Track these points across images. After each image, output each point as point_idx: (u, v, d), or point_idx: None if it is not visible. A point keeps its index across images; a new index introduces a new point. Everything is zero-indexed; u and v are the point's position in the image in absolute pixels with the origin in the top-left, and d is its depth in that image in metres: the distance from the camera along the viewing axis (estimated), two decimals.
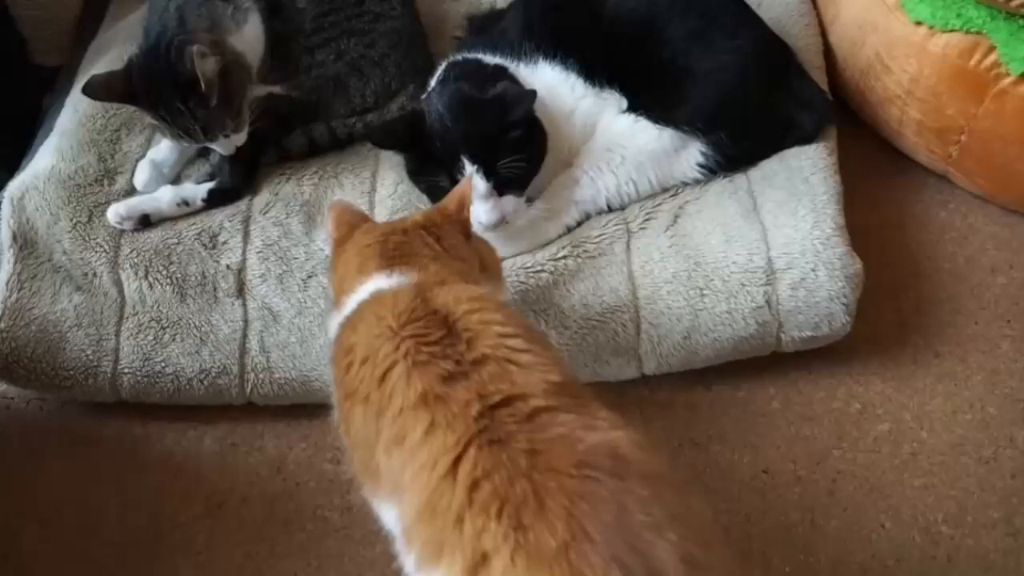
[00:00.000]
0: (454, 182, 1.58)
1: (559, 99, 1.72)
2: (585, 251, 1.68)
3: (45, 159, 1.81)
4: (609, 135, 1.73)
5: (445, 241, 1.27)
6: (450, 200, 1.33)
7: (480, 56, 1.74)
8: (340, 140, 1.85)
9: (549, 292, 1.66)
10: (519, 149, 1.57)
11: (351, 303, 1.18)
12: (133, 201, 1.74)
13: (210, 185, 1.77)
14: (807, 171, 1.73)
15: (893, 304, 1.82)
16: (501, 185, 1.59)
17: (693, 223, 1.70)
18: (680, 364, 1.68)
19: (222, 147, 1.72)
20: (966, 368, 1.75)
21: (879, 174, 2.01)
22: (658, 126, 1.71)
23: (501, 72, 1.69)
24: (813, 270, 1.62)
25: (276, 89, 1.82)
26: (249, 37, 1.81)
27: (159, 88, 1.64)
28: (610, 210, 1.74)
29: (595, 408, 1.02)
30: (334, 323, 1.24)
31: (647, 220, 1.71)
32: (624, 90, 1.73)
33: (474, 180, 1.56)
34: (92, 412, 1.76)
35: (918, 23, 1.83)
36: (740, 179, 1.76)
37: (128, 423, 1.75)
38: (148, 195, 1.76)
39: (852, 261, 1.64)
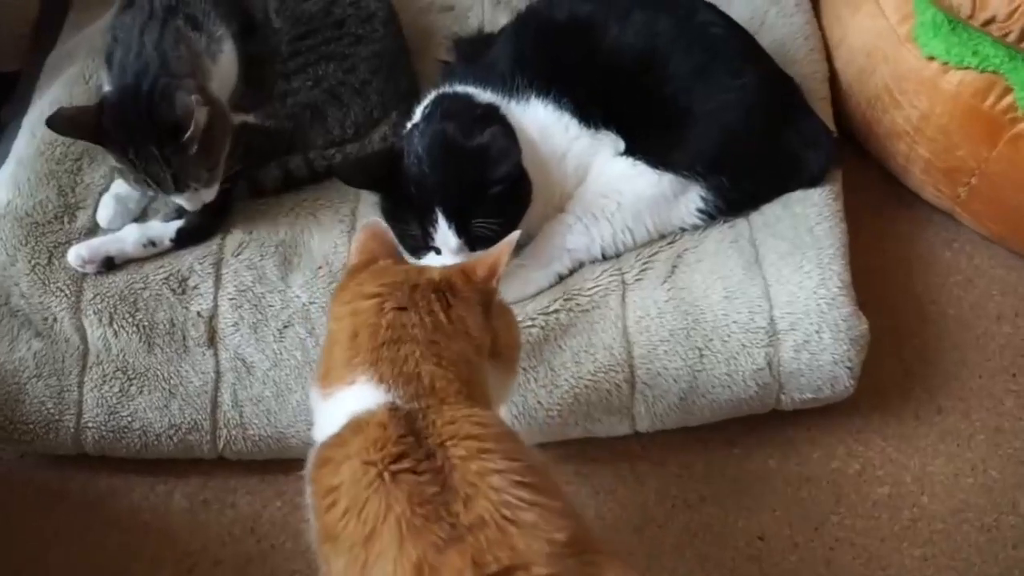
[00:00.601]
0: (425, 232, 1.49)
1: (551, 139, 1.62)
2: (578, 304, 1.59)
3: (1, 192, 1.70)
4: (604, 179, 1.63)
5: (454, 311, 1.11)
6: (481, 264, 1.15)
7: (470, 91, 1.63)
8: (318, 173, 1.74)
9: (539, 348, 1.57)
10: (498, 208, 1.47)
11: (335, 410, 1.07)
12: (95, 242, 1.63)
13: (179, 224, 1.66)
14: (812, 220, 1.64)
15: (896, 352, 1.75)
16: (474, 241, 1.49)
17: (692, 275, 1.61)
18: (675, 423, 1.61)
19: (189, 202, 1.61)
20: (969, 426, 1.68)
21: (883, 208, 1.93)
22: (657, 171, 1.61)
23: (491, 113, 1.58)
24: (817, 332, 1.55)
25: (249, 118, 1.71)
26: (224, 67, 1.69)
27: (134, 130, 1.53)
28: (604, 259, 1.64)
29: (605, 565, 0.93)
30: (319, 416, 1.12)
31: (643, 270, 1.62)
32: (621, 131, 1.63)
33: (446, 235, 1.47)
34: (54, 464, 1.67)
35: (931, 58, 1.73)
36: (741, 225, 1.67)
37: (93, 476, 1.66)
38: (112, 235, 1.65)
39: (858, 322, 1.56)
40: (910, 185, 1.92)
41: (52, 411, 1.58)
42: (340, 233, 1.70)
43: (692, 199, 1.64)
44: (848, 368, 1.55)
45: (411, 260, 1.49)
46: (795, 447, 1.66)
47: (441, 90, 1.65)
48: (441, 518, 0.90)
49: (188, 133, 1.48)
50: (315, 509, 1.01)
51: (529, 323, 1.57)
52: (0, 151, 1.81)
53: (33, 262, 1.63)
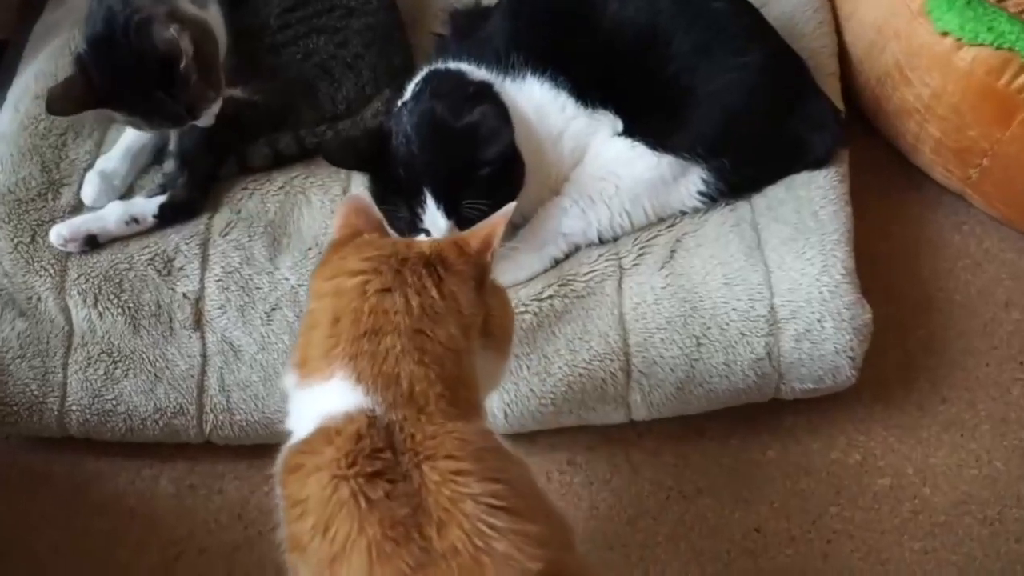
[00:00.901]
0: (413, 214, 1.45)
1: (547, 119, 1.57)
2: (573, 290, 1.54)
3: None
4: (602, 161, 1.58)
5: (446, 286, 1.04)
6: (475, 235, 1.09)
7: (463, 67, 1.57)
8: (308, 150, 1.69)
9: (533, 334, 1.53)
10: (488, 189, 1.42)
11: (310, 407, 1.02)
12: (77, 220, 1.59)
13: (161, 199, 1.61)
14: (816, 204, 1.59)
15: (900, 341, 1.70)
16: (464, 223, 1.45)
17: (691, 260, 1.56)
18: (672, 412, 1.57)
19: (205, 120, 1.56)
20: (974, 416, 1.64)
21: (891, 190, 1.87)
22: (656, 152, 1.56)
23: (484, 91, 1.52)
24: (819, 321, 1.50)
25: (237, 92, 1.65)
26: (213, 22, 1.62)
27: (126, 79, 1.47)
28: (601, 242, 1.59)
29: None
30: (294, 406, 1.06)
31: (641, 255, 1.58)
32: (619, 111, 1.57)
33: (434, 217, 1.43)
34: (40, 446, 1.64)
35: (944, 33, 1.66)
36: (743, 208, 1.62)
37: (80, 459, 1.63)
38: (93, 213, 1.60)
39: (861, 311, 1.51)
40: (919, 165, 1.86)
41: (36, 393, 1.56)
42: (330, 213, 1.65)
43: (693, 182, 1.59)
44: (850, 358, 1.51)
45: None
46: (795, 437, 1.63)
47: (433, 66, 1.60)
48: (412, 541, 0.86)
49: (183, 64, 1.42)
50: (284, 515, 0.97)
51: (522, 309, 1.52)
52: None
53: (16, 240, 1.59)
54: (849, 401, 1.63)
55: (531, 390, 1.52)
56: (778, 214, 1.60)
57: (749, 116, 1.57)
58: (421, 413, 0.97)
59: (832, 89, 1.75)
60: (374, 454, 0.93)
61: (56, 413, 1.56)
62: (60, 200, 1.64)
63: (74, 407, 1.55)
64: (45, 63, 1.78)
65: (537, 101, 1.56)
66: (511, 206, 1.12)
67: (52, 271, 1.58)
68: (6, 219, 1.60)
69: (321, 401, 1.01)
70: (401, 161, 1.45)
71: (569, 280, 1.55)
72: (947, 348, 1.70)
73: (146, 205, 1.60)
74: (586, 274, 1.56)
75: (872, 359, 1.57)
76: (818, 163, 1.62)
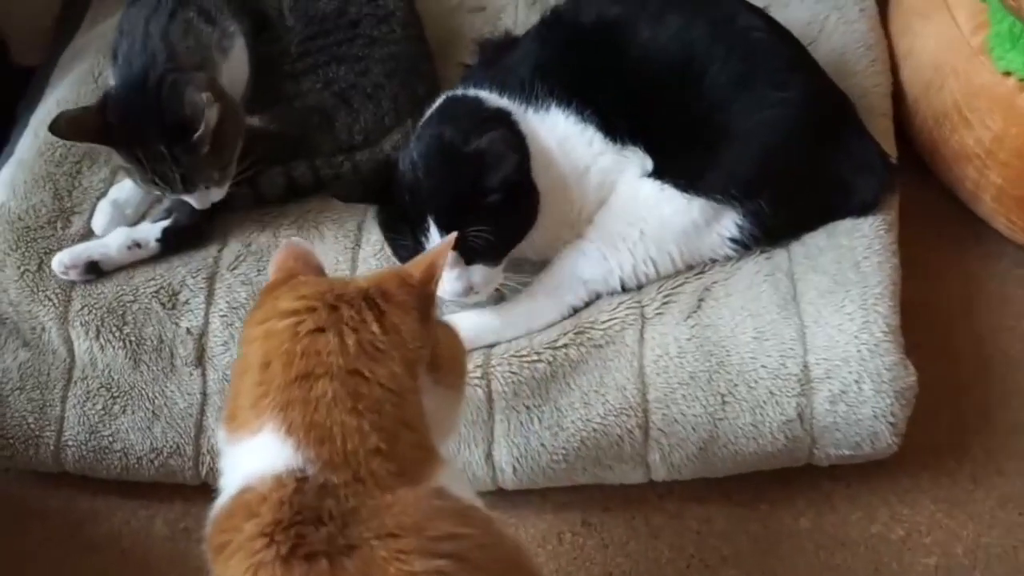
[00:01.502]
0: (416, 242, 1.38)
1: (572, 153, 1.48)
2: (590, 339, 1.44)
3: None
4: (627, 203, 1.48)
5: (387, 319, 0.95)
6: (416, 266, 1.02)
7: (481, 94, 1.50)
8: (324, 182, 1.62)
9: (545, 385, 1.43)
10: (494, 218, 1.35)
11: (236, 466, 0.91)
12: (79, 248, 1.54)
13: (165, 223, 1.57)
14: (859, 254, 1.47)
15: (953, 404, 1.56)
16: (469, 254, 1.38)
17: (719, 311, 1.45)
18: (694, 474, 1.45)
19: (198, 200, 1.52)
20: None
21: (947, 240, 1.74)
22: (686, 195, 1.45)
23: (499, 118, 1.45)
24: (857, 382, 1.37)
25: (254, 121, 1.60)
26: (234, 64, 1.60)
27: (140, 127, 1.45)
28: (624, 290, 1.49)
29: None
30: (225, 465, 0.94)
31: (666, 303, 1.47)
32: (649, 148, 1.48)
33: (437, 244, 1.36)
34: (37, 481, 1.59)
35: (1007, 73, 1.55)
36: (780, 257, 1.50)
37: (75, 496, 1.58)
38: (96, 240, 1.56)
39: (904, 373, 1.38)
40: (979, 214, 1.72)
41: (33, 426, 1.51)
42: (344, 249, 1.58)
43: (726, 227, 1.48)
44: (891, 424, 1.38)
45: None
46: (831, 505, 1.49)
47: (451, 92, 1.53)
48: None
49: (199, 132, 1.40)
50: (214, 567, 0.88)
51: (535, 357, 1.43)
52: (5, 155, 1.74)
53: (22, 268, 1.56)
54: (893, 469, 1.49)
55: (542, 444, 1.42)
56: (817, 264, 1.48)
57: (787, 155, 1.46)
58: (357, 478, 0.86)
59: (884, 131, 1.63)
60: (301, 530, 0.82)
61: (52, 448, 1.51)
62: (70, 228, 1.60)
63: (70, 442, 1.50)
64: (67, 90, 1.76)
65: (561, 133, 1.47)
66: (452, 236, 1.04)
67: (56, 301, 1.54)
68: (14, 246, 1.57)
69: (248, 460, 0.90)
70: (407, 187, 1.39)
71: (586, 328, 1.45)
72: (1005, 414, 1.56)
73: (150, 230, 1.56)
74: (605, 322, 1.45)
75: (921, 423, 1.44)
76: (863, 209, 1.50)
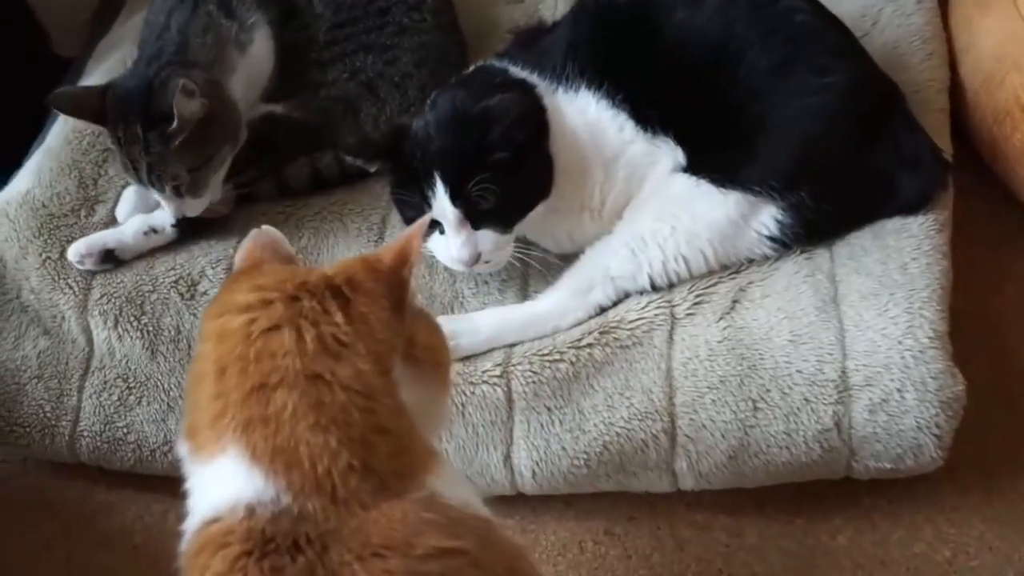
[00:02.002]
0: (424, 200, 1.34)
1: (601, 138, 1.42)
2: (616, 339, 1.38)
3: (23, 181, 1.62)
4: (659, 198, 1.41)
5: (355, 308, 0.86)
6: (387, 250, 0.92)
7: (510, 67, 1.45)
8: (350, 174, 1.58)
9: (567, 386, 1.37)
10: (500, 177, 1.31)
11: (202, 493, 0.83)
12: (95, 236, 1.52)
13: None
14: (907, 255, 1.37)
15: (1007, 417, 1.47)
16: (476, 216, 1.33)
17: (754, 312, 1.37)
18: (724, 484, 1.38)
19: (168, 203, 1.47)
20: None
21: (1006, 241, 1.65)
22: (722, 190, 1.38)
23: (522, 88, 1.40)
24: (899, 390, 1.29)
25: (278, 108, 1.57)
26: (255, 58, 1.56)
27: (127, 110, 1.42)
28: (654, 289, 1.42)
29: None
30: (191, 483, 0.85)
31: (697, 304, 1.39)
32: (680, 138, 1.41)
33: (443, 204, 1.32)
34: (54, 472, 1.57)
35: None
36: (821, 257, 1.41)
37: (92, 488, 1.56)
38: (114, 228, 1.54)
39: (951, 382, 1.29)
40: None
41: (49, 415, 1.49)
42: (367, 242, 1.54)
43: (764, 223, 1.40)
44: (936, 436, 1.29)
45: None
46: (871, 522, 1.40)
47: (481, 63, 1.51)
48: None
49: (174, 124, 1.37)
50: None
51: (557, 357, 1.37)
52: (37, 144, 1.73)
53: (44, 256, 1.54)
54: (940, 484, 1.40)
55: (563, 448, 1.36)
56: (861, 265, 1.39)
57: (830, 145, 1.38)
58: (335, 501, 0.78)
59: (939, 126, 1.54)
60: (276, 562, 0.74)
61: (67, 438, 1.49)
62: (93, 217, 1.58)
63: (85, 432, 1.48)
64: (99, 79, 1.71)
65: (591, 117, 1.42)
66: (428, 216, 0.97)
67: (76, 289, 1.52)
68: (37, 233, 1.55)
69: (214, 487, 0.81)
70: (417, 144, 1.35)
71: (612, 327, 1.38)
72: None
73: (166, 216, 1.52)
74: (633, 322, 1.39)
75: (970, 437, 1.35)
76: (911, 207, 1.41)
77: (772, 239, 1.40)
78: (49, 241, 1.55)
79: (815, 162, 1.38)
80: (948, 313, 1.34)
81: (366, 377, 0.83)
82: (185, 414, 0.90)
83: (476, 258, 1.37)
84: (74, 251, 1.50)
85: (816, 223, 1.40)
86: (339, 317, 0.84)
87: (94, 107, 1.44)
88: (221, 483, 0.80)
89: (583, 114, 1.42)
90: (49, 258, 1.54)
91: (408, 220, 1.42)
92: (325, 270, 0.90)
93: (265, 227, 1.02)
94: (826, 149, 1.39)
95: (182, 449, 0.87)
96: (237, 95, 1.49)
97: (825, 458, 1.32)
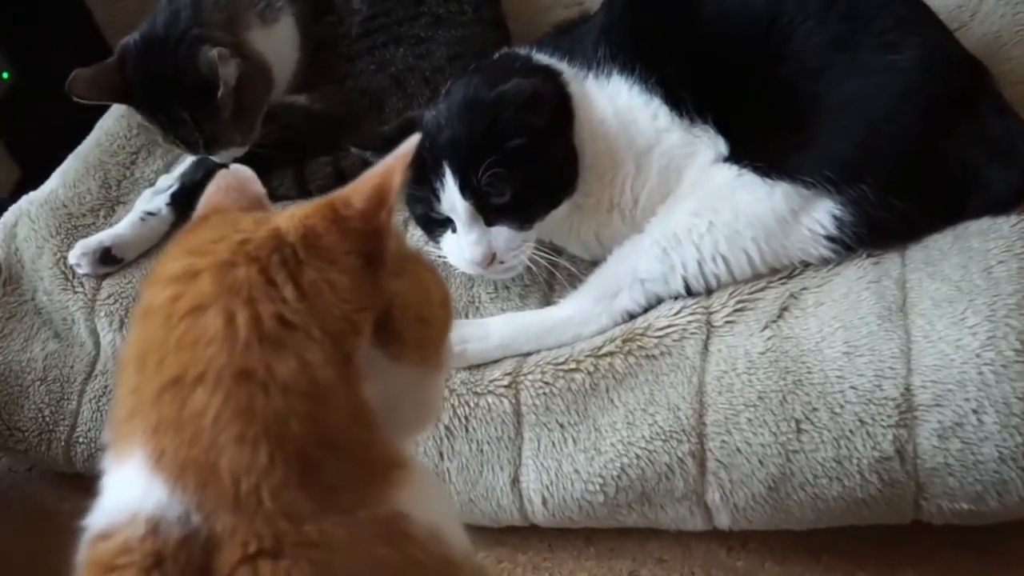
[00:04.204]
0: (433, 193, 1.22)
1: (632, 127, 1.27)
2: (641, 347, 1.20)
3: (51, 181, 1.59)
4: (697, 192, 1.24)
5: (307, 275, 0.65)
6: (358, 189, 0.68)
7: (535, 54, 1.33)
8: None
9: (584, 400, 1.20)
10: (515, 166, 1.18)
11: (107, 498, 0.66)
12: (91, 238, 1.46)
13: (173, 189, 1.48)
14: (993, 257, 1.15)
15: None
16: (490, 211, 1.20)
17: (805, 321, 1.17)
18: (767, 524, 1.16)
19: (222, 158, 1.43)
20: None
21: None
22: (768, 180, 1.20)
23: (545, 74, 1.27)
24: (975, 411, 1.06)
25: (301, 100, 1.49)
26: (278, 39, 1.49)
27: (160, 89, 1.37)
28: (689, 294, 1.24)
29: None
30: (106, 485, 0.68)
31: (739, 311, 1.20)
32: (721, 126, 1.24)
33: (452, 196, 1.20)
34: (59, 483, 1.49)
35: None
36: (891, 262, 1.20)
37: (88, 500, 1.45)
38: (109, 228, 1.47)
39: None
40: None
41: (48, 419, 1.43)
42: None
43: (819, 220, 1.20)
44: (1023, 470, 1.05)
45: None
46: None
47: (506, 50, 1.39)
48: None
49: (220, 93, 1.31)
50: None
51: (572, 366, 1.20)
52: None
53: (59, 255, 1.49)
54: None
55: (575, 470, 1.19)
56: (937, 269, 1.17)
57: (897, 130, 1.18)
58: (262, 519, 0.61)
59: None
60: None
61: (63, 444, 1.42)
62: (112, 218, 1.53)
63: (81, 439, 1.41)
64: None
65: (622, 105, 1.27)
66: (415, 138, 0.77)
67: (86, 289, 1.46)
68: (54, 232, 1.50)
69: (114, 494, 0.65)
70: (428, 135, 1.23)
71: (638, 335, 1.21)
72: None
73: (160, 198, 1.47)
74: (662, 329, 1.21)
75: None
76: (1001, 205, 1.19)
77: (830, 239, 1.20)
78: (65, 240, 1.50)
79: (879, 150, 1.18)
80: None
81: (314, 371, 0.64)
82: (112, 406, 0.72)
83: (490, 258, 1.22)
84: (72, 254, 1.45)
85: (882, 222, 1.19)
86: (288, 290, 0.64)
87: (113, 86, 1.40)
88: (122, 492, 0.64)
89: (613, 102, 1.28)
90: (63, 258, 1.49)
91: (419, 218, 1.30)
92: (277, 222, 0.68)
93: (234, 166, 0.86)
94: (893, 136, 1.19)
95: (107, 445, 0.69)
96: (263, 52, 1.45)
97: (886, 494, 1.10)
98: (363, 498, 0.64)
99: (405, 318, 0.71)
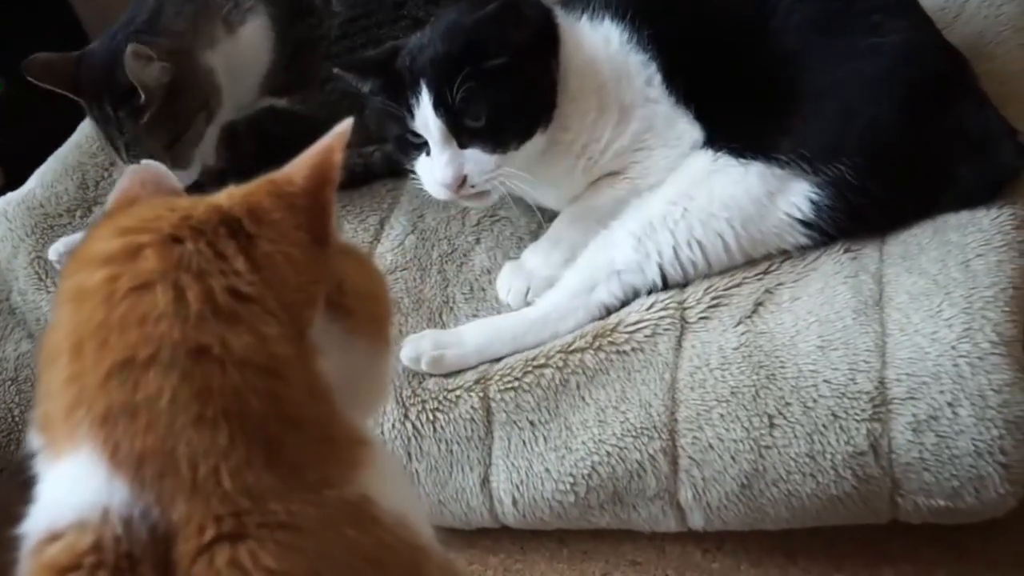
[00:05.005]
0: (408, 110, 1.20)
1: (626, 80, 1.26)
2: (612, 343, 1.18)
3: (29, 182, 1.58)
4: (673, 181, 1.23)
5: (259, 248, 0.64)
6: (298, 166, 0.69)
7: None
8: (356, 175, 1.48)
9: (554, 397, 1.17)
10: (491, 86, 1.17)
11: (50, 495, 0.62)
12: (76, 236, 1.45)
13: None
14: (971, 251, 1.13)
15: None
16: (464, 133, 1.19)
17: (780, 316, 1.15)
18: (740, 522, 1.14)
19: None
20: None
21: None
22: (741, 160, 1.18)
23: (533, 5, 1.26)
24: (951, 404, 1.03)
25: (282, 102, 1.48)
26: (246, 44, 1.48)
27: (96, 86, 1.37)
28: (666, 286, 1.22)
29: None
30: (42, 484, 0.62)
31: (714, 306, 1.18)
32: (700, 112, 1.23)
33: (426, 114, 1.19)
34: (24, 485, 1.46)
35: None
36: (869, 257, 1.18)
37: None
38: None
39: (1020, 396, 1.03)
40: None
41: (17, 420, 1.41)
42: (362, 243, 1.41)
43: (795, 202, 1.17)
44: (1001, 464, 1.02)
45: None
46: None
47: None
48: None
49: (142, 98, 1.30)
50: None
51: (542, 362, 1.18)
52: None
53: (33, 255, 1.48)
54: (1018, 530, 1.11)
55: (546, 469, 1.16)
56: (915, 263, 1.15)
57: (876, 112, 1.16)
58: (223, 503, 0.57)
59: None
60: None
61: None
62: (89, 218, 1.52)
63: None
64: None
65: (614, 52, 1.27)
66: (348, 121, 0.76)
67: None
68: (30, 232, 1.50)
69: (61, 493, 0.60)
70: (410, 54, 1.23)
71: (608, 331, 1.19)
72: None
73: None
74: (634, 324, 1.18)
75: None
76: (976, 198, 1.17)
77: (806, 224, 1.18)
78: (40, 240, 1.49)
79: (856, 132, 1.16)
80: (1020, 319, 1.08)
81: (270, 345, 0.62)
82: (37, 400, 0.67)
83: (461, 181, 1.20)
84: (53, 250, 1.43)
85: (860, 208, 1.17)
86: (240, 262, 0.63)
87: (66, 76, 1.39)
88: (69, 490, 0.60)
89: (607, 45, 1.27)
90: (38, 257, 1.48)
91: (392, 137, 1.29)
92: (217, 200, 0.67)
93: (146, 161, 0.85)
94: (871, 119, 1.17)
95: (35, 443, 0.65)
96: (216, 70, 1.42)
97: (862, 490, 1.07)
98: (328, 476, 0.61)
99: (355, 293, 0.70)
